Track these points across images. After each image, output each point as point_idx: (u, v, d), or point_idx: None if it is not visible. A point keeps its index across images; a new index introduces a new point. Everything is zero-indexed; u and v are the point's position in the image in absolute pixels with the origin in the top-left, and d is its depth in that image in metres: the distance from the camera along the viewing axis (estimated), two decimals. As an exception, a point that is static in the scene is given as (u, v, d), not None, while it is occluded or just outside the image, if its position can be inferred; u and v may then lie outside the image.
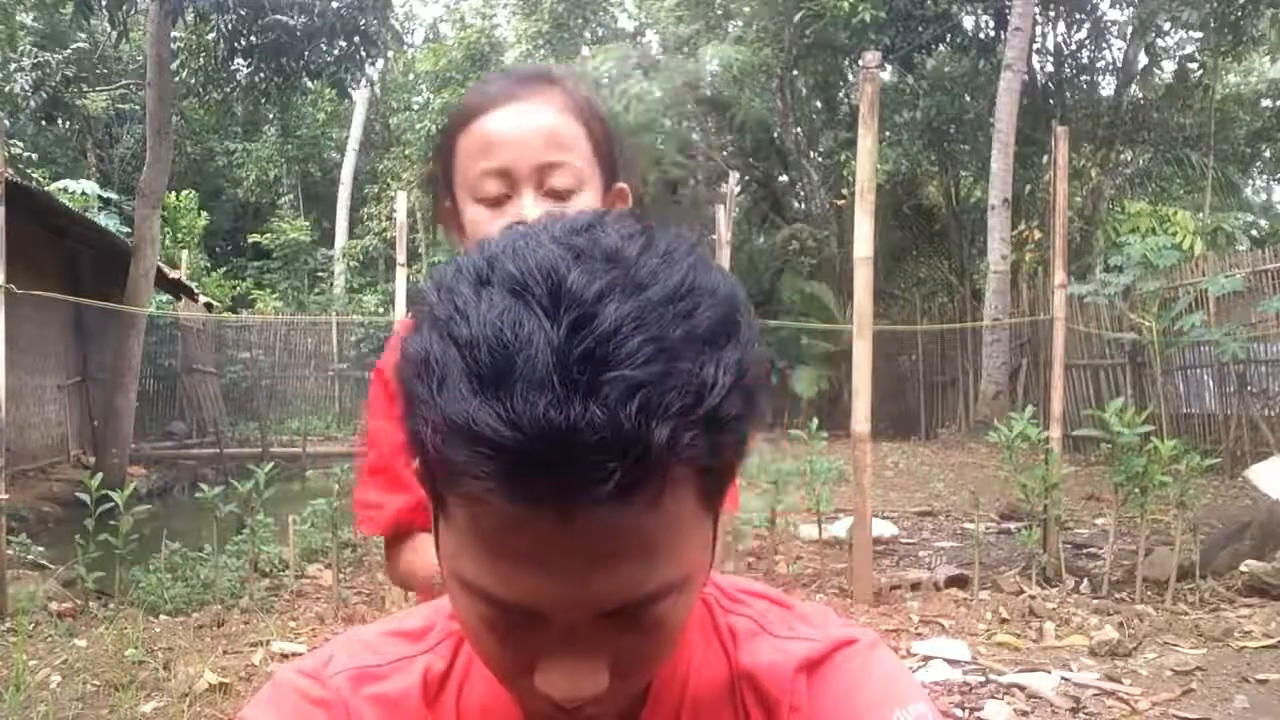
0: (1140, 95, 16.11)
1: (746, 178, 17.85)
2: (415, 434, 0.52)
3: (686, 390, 0.48)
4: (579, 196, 1.10)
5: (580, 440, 0.46)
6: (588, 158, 1.11)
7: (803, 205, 18.24)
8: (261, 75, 11.78)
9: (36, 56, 14.00)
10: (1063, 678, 3.56)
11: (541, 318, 0.48)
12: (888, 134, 15.75)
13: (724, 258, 6.12)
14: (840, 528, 5.48)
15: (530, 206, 1.08)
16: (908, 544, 6.31)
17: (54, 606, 4.61)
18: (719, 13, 17.65)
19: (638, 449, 0.47)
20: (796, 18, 14.41)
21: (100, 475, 4.66)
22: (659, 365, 0.48)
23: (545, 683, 0.55)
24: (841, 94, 17.14)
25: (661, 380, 0.48)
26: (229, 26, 10.92)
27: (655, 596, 0.53)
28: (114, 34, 13.78)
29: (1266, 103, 16.48)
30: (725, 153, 17.80)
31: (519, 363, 0.47)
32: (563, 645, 0.54)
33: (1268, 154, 17.38)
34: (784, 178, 18.89)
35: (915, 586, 4.87)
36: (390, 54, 19.61)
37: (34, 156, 15.49)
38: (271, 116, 20.97)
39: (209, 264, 19.68)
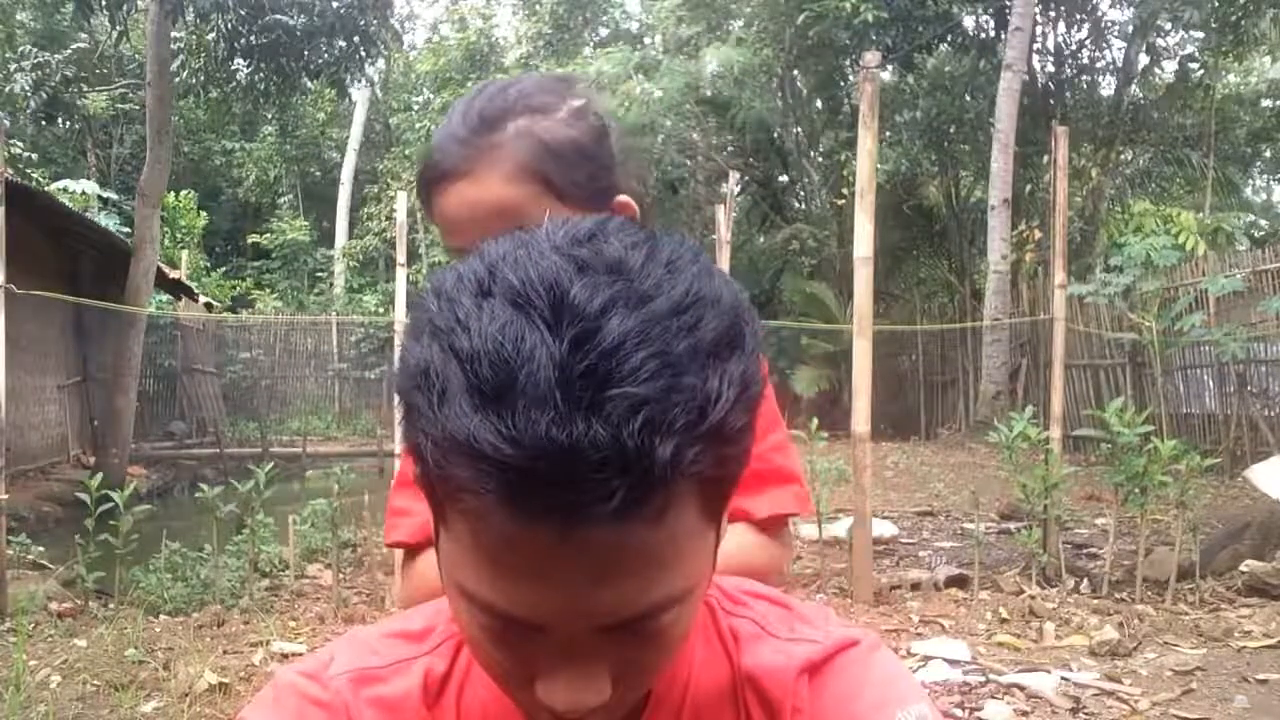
0: (1140, 95, 16.10)
1: (746, 178, 17.85)
2: (416, 446, 0.51)
3: (690, 405, 0.48)
4: None
5: (583, 459, 0.46)
6: (553, 207, 1.00)
7: (803, 205, 18.23)
8: (261, 75, 11.79)
9: (36, 56, 13.99)
10: (1063, 678, 3.56)
11: (544, 332, 0.48)
12: (888, 134, 15.76)
13: (724, 258, 6.11)
14: (840, 528, 5.48)
15: None
16: (908, 544, 6.31)
17: (54, 606, 4.60)
18: (720, 14, 17.64)
19: (641, 467, 0.47)
20: (799, 19, 14.40)
21: (100, 475, 4.66)
22: (663, 381, 0.47)
23: (547, 693, 0.55)
24: (842, 94, 17.13)
25: (665, 396, 0.47)
26: (229, 26, 10.92)
27: (657, 609, 0.53)
28: (114, 34, 13.79)
29: (1267, 103, 16.47)
30: (725, 153, 17.79)
31: (521, 378, 0.47)
32: (564, 656, 0.54)
33: (1268, 154, 17.39)
34: (784, 178, 18.89)
35: (915, 586, 4.86)
36: (390, 54, 19.61)
37: (34, 156, 15.49)
38: (270, 116, 20.97)
39: (209, 264, 19.69)
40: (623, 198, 1.09)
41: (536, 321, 0.48)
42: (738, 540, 1.07)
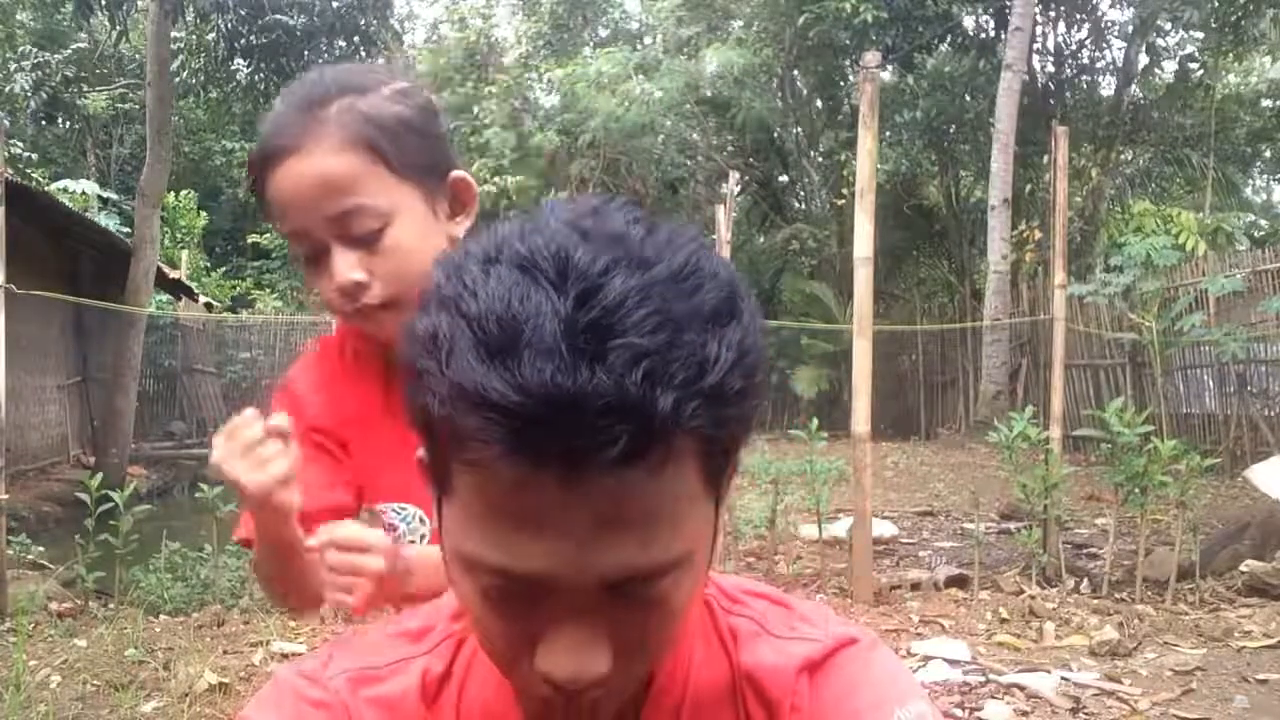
0: (1140, 95, 16.10)
1: (746, 178, 17.85)
2: (421, 408, 0.53)
3: (690, 362, 0.49)
4: (390, 230, 1.01)
5: (587, 405, 0.48)
6: (386, 181, 1.00)
7: (803, 205, 18.24)
8: (261, 75, 11.79)
9: (36, 56, 14.00)
10: (1063, 678, 3.56)
11: (549, 290, 0.50)
12: (888, 134, 15.77)
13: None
14: (840, 528, 5.48)
15: (341, 262, 1.00)
16: (908, 544, 6.31)
17: (54, 606, 4.60)
18: (720, 14, 17.65)
19: (642, 415, 0.48)
20: (799, 20, 14.41)
21: (100, 475, 4.65)
22: (664, 335, 0.49)
23: (547, 661, 0.55)
24: (842, 94, 17.13)
25: (666, 350, 0.49)
26: (229, 26, 10.93)
27: (658, 571, 0.54)
28: (114, 34, 13.80)
29: (1266, 103, 16.47)
30: (725, 153, 17.80)
31: (527, 332, 0.49)
32: (565, 620, 0.54)
33: (1268, 154, 17.37)
34: (784, 178, 18.89)
35: (915, 586, 4.86)
36: (390, 54, 19.62)
37: (34, 156, 15.48)
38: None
39: (209, 264, 19.67)
40: (459, 173, 1.08)
41: (542, 282, 0.50)
42: None
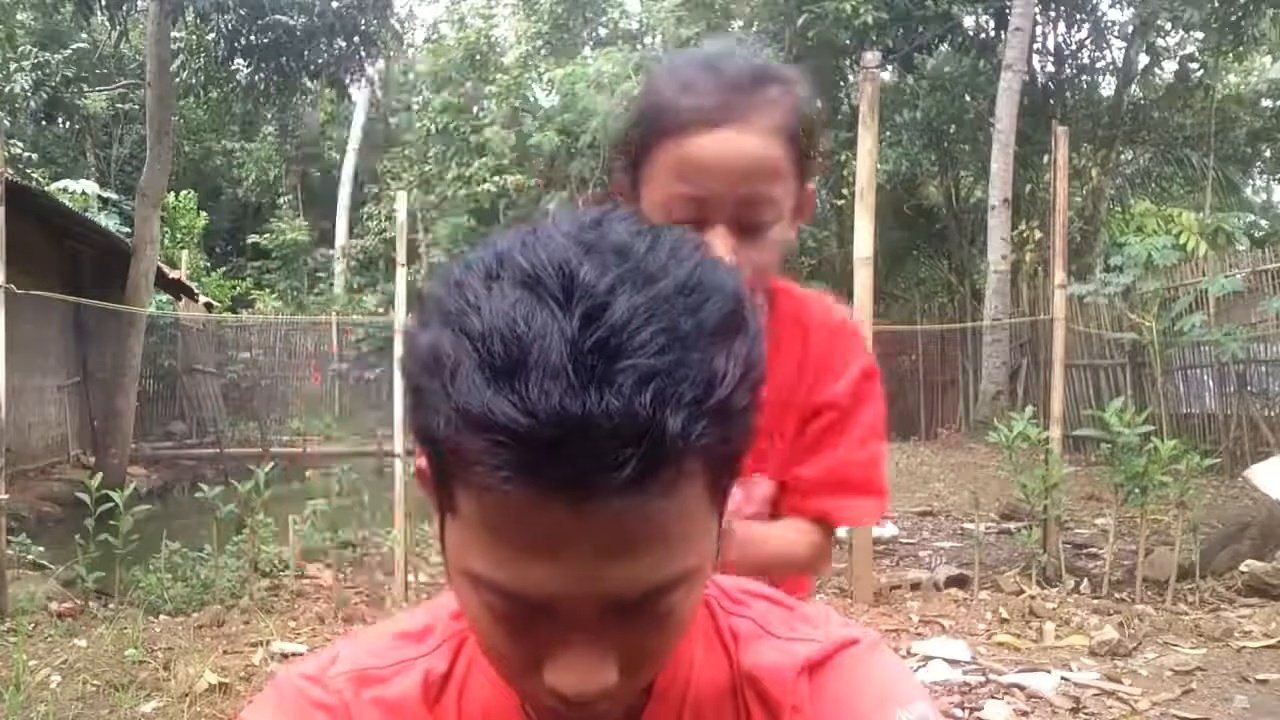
0: (1140, 95, 16.10)
1: (746, 178, 17.82)
2: (424, 428, 0.52)
3: (698, 380, 0.49)
4: (775, 226, 1.02)
5: (595, 428, 0.47)
6: (789, 181, 1.02)
7: (803, 205, 18.20)
8: (261, 75, 11.80)
9: (36, 56, 14.01)
10: (1063, 678, 3.56)
11: (555, 309, 0.49)
12: (888, 134, 15.75)
13: (724, 258, 6.11)
14: (840, 528, 5.47)
15: (721, 242, 0.99)
16: (908, 544, 6.31)
17: (54, 606, 4.60)
18: (720, 14, 17.64)
19: (652, 437, 0.47)
20: (799, 20, 14.41)
21: (100, 475, 4.66)
22: (671, 355, 0.48)
23: (554, 678, 0.55)
24: (842, 94, 17.13)
25: (674, 370, 0.48)
26: (229, 26, 10.95)
27: (666, 588, 0.53)
28: (114, 34, 13.81)
29: (1267, 103, 16.47)
30: (725, 153, 17.76)
31: (533, 353, 0.48)
32: (572, 639, 0.54)
33: (1268, 154, 17.37)
34: (784, 178, 18.85)
35: (915, 586, 4.86)
36: (390, 54, 19.62)
37: (34, 156, 15.49)
38: (270, 116, 20.98)
39: (209, 264, 19.67)
40: (811, 185, 1.10)
41: (547, 300, 0.49)
42: (796, 528, 1.10)
